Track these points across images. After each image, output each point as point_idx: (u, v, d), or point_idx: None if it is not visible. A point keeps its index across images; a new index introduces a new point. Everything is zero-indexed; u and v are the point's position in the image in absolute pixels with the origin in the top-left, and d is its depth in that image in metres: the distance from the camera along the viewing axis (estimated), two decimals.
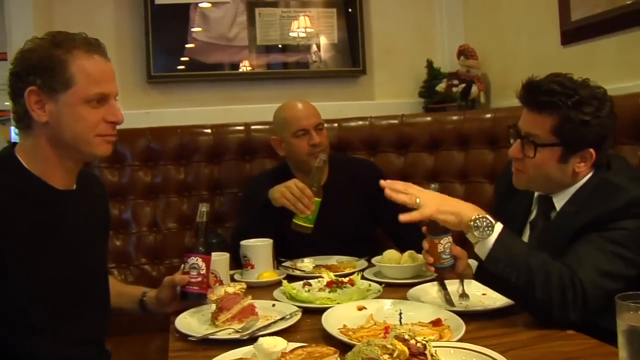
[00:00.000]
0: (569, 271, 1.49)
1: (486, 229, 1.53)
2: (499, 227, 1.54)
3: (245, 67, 3.35)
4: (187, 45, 3.25)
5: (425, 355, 1.08)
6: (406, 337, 1.08)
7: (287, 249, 2.42)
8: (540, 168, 1.73)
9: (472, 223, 1.53)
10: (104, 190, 1.88)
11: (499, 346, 1.34)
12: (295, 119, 2.49)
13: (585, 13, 2.54)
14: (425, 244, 1.82)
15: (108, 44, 3.15)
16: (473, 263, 2.00)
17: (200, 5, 3.25)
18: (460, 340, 1.34)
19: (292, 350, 1.26)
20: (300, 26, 3.38)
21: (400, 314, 1.50)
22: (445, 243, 1.82)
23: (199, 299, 1.71)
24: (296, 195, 2.16)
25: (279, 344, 1.27)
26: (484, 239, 1.53)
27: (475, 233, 1.53)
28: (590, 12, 2.51)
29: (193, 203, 2.93)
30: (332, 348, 1.24)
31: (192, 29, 3.24)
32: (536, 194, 1.88)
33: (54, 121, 1.48)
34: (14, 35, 2.96)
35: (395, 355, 1.03)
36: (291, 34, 3.37)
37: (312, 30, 3.39)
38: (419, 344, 1.08)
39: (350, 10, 3.41)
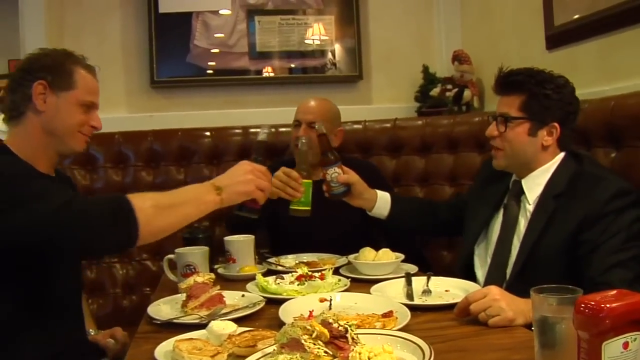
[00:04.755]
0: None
1: None
2: None
3: (244, 72, 3.46)
4: (189, 52, 3.38)
5: (346, 337, 1.18)
6: (330, 321, 1.18)
7: (289, 246, 2.54)
8: (513, 142, 1.94)
9: None
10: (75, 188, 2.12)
11: (438, 337, 1.41)
12: (296, 111, 2.70)
13: (567, 18, 2.58)
14: (321, 175, 2.16)
15: (115, 51, 3.39)
16: (383, 195, 2.28)
17: (201, 14, 3.38)
18: (403, 330, 1.39)
19: (239, 334, 1.38)
20: (299, 33, 3.48)
21: (331, 300, 1.60)
22: (332, 173, 2.13)
23: (252, 212, 1.88)
24: (283, 181, 2.19)
25: (228, 327, 1.39)
26: None
27: None
28: (571, 17, 2.55)
29: None
30: (274, 332, 1.35)
31: (194, 36, 3.37)
32: (512, 179, 2.04)
33: (50, 112, 1.76)
34: (27, 43, 3.13)
35: (314, 335, 1.13)
36: (290, 41, 3.47)
37: (310, 36, 3.49)
38: (340, 328, 1.18)
39: (348, 17, 3.50)
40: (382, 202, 2.30)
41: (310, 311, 1.45)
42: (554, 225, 1.83)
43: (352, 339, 1.18)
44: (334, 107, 2.77)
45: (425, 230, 2.58)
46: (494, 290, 1.54)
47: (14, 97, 1.76)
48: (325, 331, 1.15)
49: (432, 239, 3.01)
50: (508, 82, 1.96)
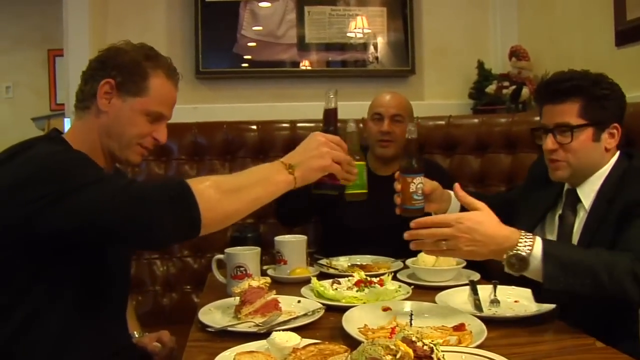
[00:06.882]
0: (632, 256, 1.47)
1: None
2: (538, 246, 1.47)
3: (293, 65, 3.36)
4: (235, 42, 3.29)
5: (432, 358, 1.05)
6: (413, 339, 1.06)
7: (341, 241, 2.49)
8: (579, 152, 1.79)
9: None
10: None
11: (520, 355, 1.31)
12: (375, 104, 2.63)
13: None
14: (398, 185, 1.77)
15: (159, 40, 3.30)
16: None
17: (249, 2, 3.29)
18: (480, 347, 1.29)
19: (304, 347, 1.25)
20: (350, 25, 3.37)
21: (411, 315, 1.47)
22: (418, 183, 1.76)
23: (332, 189, 1.64)
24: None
25: (292, 340, 1.27)
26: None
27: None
28: None
29: None
30: (343, 346, 1.23)
31: (241, 26, 3.28)
32: (565, 187, 1.90)
33: (112, 114, 1.59)
34: (70, 32, 3.08)
35: (398, 356, 1.01)
36: (340, 33, 3.36)
37: (361, 29, 3.38)
38: (425, 347, 1.05)
39: (400, 9, 3.38)
40: (455, 201, 2.02)
41: (392, 328, 1.32)
42: (604, 228, 1.71)
43: (439, 359, 1.06)
44: (409, 101, 2.70)
45: None
46: (467, 223, 1.46)
47: (84, 87, 1.61)
48: (410, 351, 1.03)
49: None
50: (563, 88, 1.78)
